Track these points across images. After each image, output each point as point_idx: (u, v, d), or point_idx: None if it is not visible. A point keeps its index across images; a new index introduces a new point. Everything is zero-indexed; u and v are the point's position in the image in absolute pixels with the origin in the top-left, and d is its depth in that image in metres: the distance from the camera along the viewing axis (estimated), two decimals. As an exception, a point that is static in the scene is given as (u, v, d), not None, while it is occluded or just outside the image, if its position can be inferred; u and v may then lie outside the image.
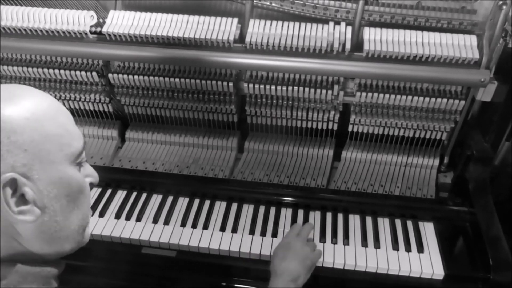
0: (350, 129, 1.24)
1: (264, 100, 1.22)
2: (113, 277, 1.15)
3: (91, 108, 1.34)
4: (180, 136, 1.37)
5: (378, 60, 1.11)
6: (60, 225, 0.62)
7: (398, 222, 1.18)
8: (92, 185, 0.69)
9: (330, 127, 1.26)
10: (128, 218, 1.19)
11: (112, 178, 1.29)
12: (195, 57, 1.14)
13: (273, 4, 1.19)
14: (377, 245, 1.12)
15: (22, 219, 0.57)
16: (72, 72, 1.23)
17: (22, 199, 0.57)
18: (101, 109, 1.33)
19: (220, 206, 1.22)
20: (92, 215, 1.19)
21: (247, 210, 1.21)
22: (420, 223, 1.18)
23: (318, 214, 1.20)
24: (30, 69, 1.25)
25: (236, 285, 1.11)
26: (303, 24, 1.14)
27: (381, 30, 1.11)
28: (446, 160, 1.29)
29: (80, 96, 1.30)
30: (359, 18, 1.13)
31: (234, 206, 1.22)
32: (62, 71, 1.24)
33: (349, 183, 1.26)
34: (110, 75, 1.22)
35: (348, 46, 1.11)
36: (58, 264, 0.67)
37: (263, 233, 1.15)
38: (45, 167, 0.58)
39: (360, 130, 1.24)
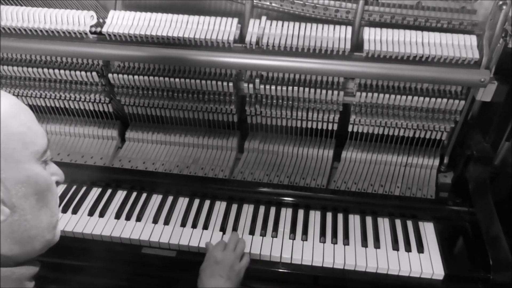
0: (350, 129, 1.24)
1: (264, 100, 1.22)
2: (113, 277, 1.16)
3: (91, 108, 1.34)
4: (180, 136, 1.37)
5: (378, 60, 1.10)
6: (30, 224, 0.61)
7: (398, 222, 1.19)
8: (58, 183, 0.68)
9: (330, 127, 1.26)
10: (128, 218, 1.19)
11: (112, 178, 1.29)
12: (195, 57, 1.14)
13: (273, 4, 1.19)
14: (377, 245, 1.12)
15: None
16: (72, 72, 1.23)
17: None
18: (101, 109, 1.33)
19: (220, 206, 1.22)
20: (92, 215, 1.20)
21: (247, 210, 1.22)
22: (420, 223, 1.18)
23: (318, 214, 1.20)
24: (30, 69, 1.25)
25: (236, 285, 1.11)
26: (303, 24, 1.14)
27: (381, 30, 1.11)
28: (446, 160, 1.29)
29: (80, 96, 1.30)
30: (359, 18, 1.13)
31: (234, 206, 1.22)
32: (62, 71, 1.24)
33: (349, 183, 1.26)
34: (110, 75, 1.22)
35: (348, 46, 1.11)
36: (31, 264, 0.65)
37: (263, 233, 1.15)
38: (11, 166, 0.58)
39: (360, 130, 1.24)
